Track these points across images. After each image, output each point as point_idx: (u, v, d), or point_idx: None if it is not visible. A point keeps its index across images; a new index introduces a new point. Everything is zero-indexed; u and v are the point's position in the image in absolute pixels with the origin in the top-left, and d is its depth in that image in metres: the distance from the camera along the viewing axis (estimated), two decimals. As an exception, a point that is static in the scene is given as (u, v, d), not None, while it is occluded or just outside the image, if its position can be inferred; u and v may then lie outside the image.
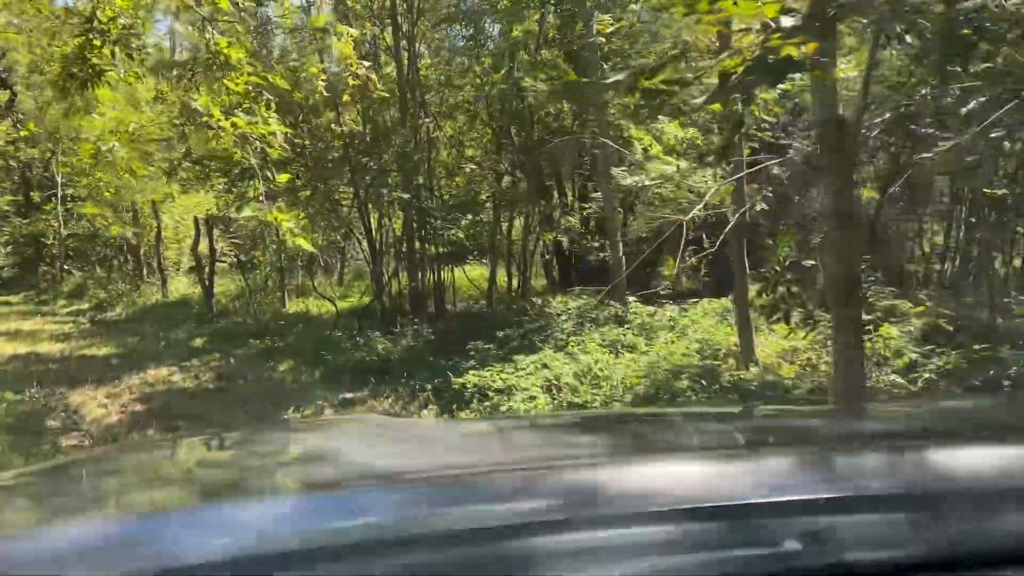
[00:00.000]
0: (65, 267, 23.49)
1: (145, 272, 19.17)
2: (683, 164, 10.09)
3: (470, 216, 15.30)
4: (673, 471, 1.05)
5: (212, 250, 14.86)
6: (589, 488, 0.99)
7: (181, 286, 18.77)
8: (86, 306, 18.94)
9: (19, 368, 10.73)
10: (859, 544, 0.86)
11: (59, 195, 22.36)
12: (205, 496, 1.16)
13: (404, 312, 15.01)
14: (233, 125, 4.85)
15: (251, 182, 14.03)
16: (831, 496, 0.93)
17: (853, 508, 0.91)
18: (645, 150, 10.34)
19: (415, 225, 13.26)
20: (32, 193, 24.24)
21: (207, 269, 15.07)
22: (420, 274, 13.77)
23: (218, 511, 1.00)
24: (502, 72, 12.57)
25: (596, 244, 11.28)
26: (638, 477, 1.03)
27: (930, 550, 0.87)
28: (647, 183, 10.22)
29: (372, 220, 14.74)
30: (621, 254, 9.53)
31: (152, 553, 0.81)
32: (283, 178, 4.79)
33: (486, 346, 8.69)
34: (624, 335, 8.04)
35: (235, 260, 18.26)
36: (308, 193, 15.84)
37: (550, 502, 0.94)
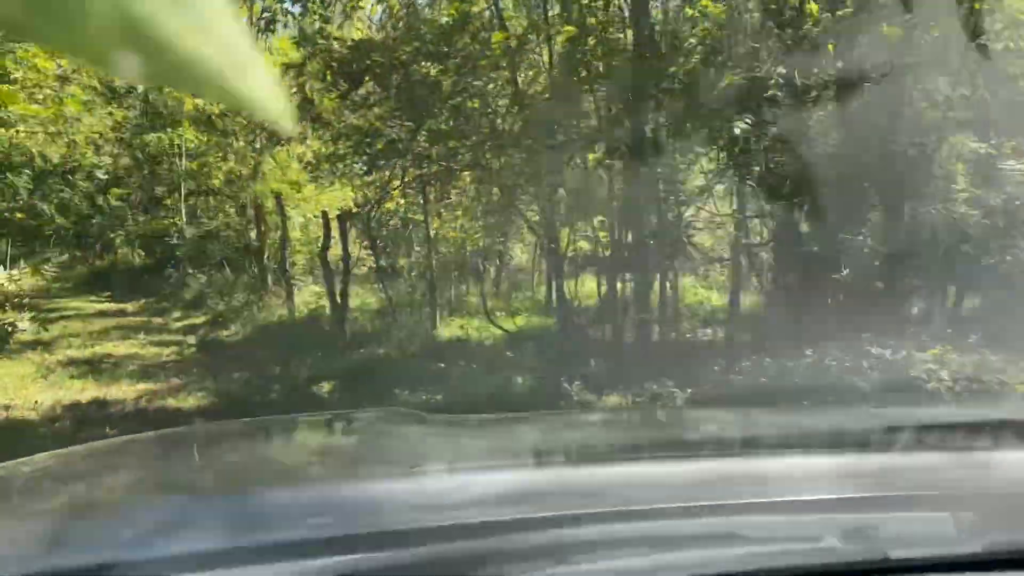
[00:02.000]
0: (189, 271, 20.73)
1: (270, 280, 15.82)
2: None
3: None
4: (718, 468, 1.08)
5: (346, 257, 11.09)
6: (629, 484, 0.99)
7: (311, 298, 15.28)
8: (201, 319, 15.82)
9: (63, 433, 7.19)
10: (897, 542, 0.86)
11: (181, 187, 19.59)
12: (207, 488, 1.15)
13: (601, 342, 10.80)
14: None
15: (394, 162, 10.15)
16: (871, 495, 0.95)
17: (893, 507, 0.92)
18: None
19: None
20: (156, 187, 21.65)
21: (340, 281, 11.32)
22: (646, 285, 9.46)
23: (222, 503, 0.99)
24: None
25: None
26: (686, 473, 1.04)
27: (971, 549, 0.86)
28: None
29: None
30: None
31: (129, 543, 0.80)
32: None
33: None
34: None
35: (374, 266, 14.59)
36: (468, 180, 11.91)
37: (589, 498, 0.92)
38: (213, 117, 13.34)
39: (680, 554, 0.81)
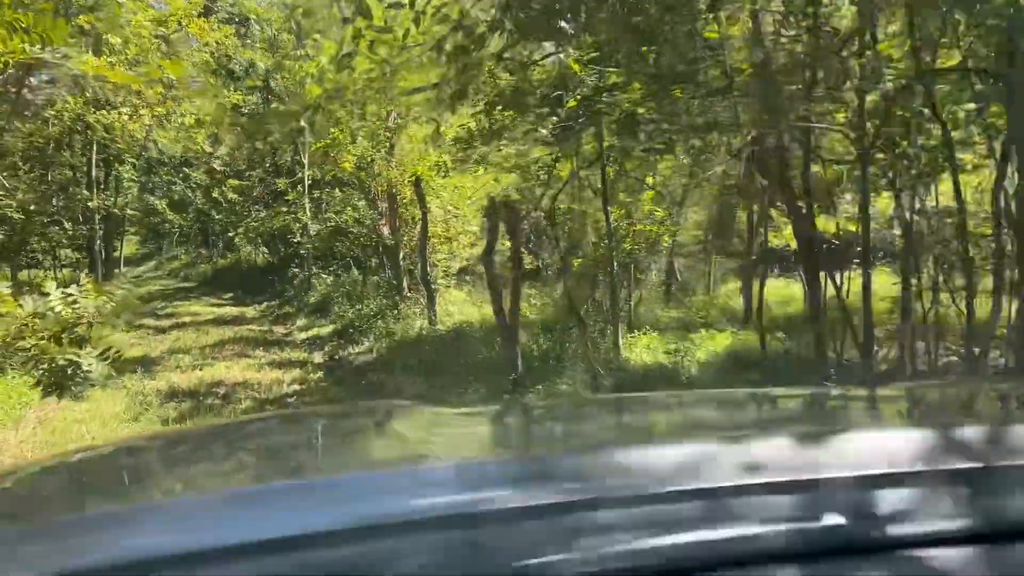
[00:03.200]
0: (314, 270, 18.67)
1: (406, 284, 13.35)
2: None
3: None
4: (717, 450, 1.06)
5: (517, 260, 8.35)
6: (630, 468, 0.98)
7: (454, 304, 12.73)
8: (328, 329, 13.57)
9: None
10: (900, 518, 0.87)
11: (305, 179, 17.51)
12: (217, 484, 1.15)
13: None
14: None
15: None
16: (868, 472, 0.93)
17: (893, 483, 0.91)
18: None
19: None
20: (278, 180, 19.71)
21: (508, 287, 8.61)
22: None
23: (225, 501, 0.96)
24: None
25: None
26: (680, 456, 1.03)
27: (969, 524, 0.87)
28: None
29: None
30: None
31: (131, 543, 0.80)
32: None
33: None
34: None
35: (534, 269, 11.87)
36: (663, 159, 9.03)
37: (588, 483, 0.92)
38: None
39: (681, 536, 0.80)
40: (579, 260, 10.17)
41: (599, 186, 9.48)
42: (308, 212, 17.67)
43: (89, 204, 12.78)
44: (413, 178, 11.40)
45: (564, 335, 9.83)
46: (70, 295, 4.98)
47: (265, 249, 25.85)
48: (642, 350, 9.89)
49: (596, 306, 10.54)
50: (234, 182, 18.53)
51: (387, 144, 12.48)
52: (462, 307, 12.71)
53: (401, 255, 13.26)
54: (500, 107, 8.66)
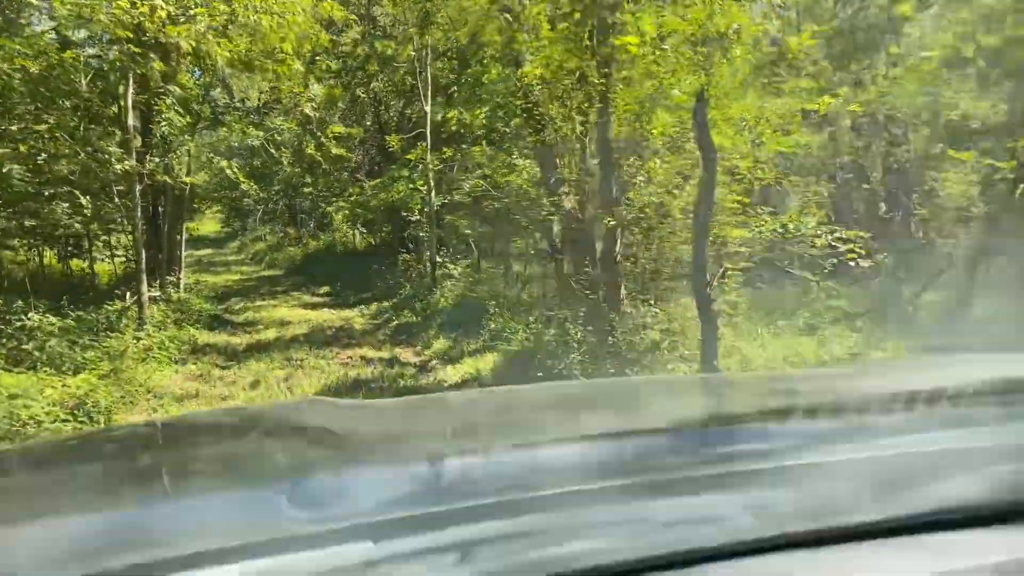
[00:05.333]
0: (439, 259, 13.45)
1: (621, 297, 7.90)
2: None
3: None
4: (611, 447, 1.01)
5: None
6: (518, 468, 0.93)
7: (728, 336, 7.26)
8: (488, 362, 8.40)
9: None
10: (801, 513, 0.85)
11: (428, 135, 12.31)
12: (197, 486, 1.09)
13: None
14: None
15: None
16: (774, 466, 0.91)
17: (791, 480, 0.89)
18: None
19: None
20: (388, 138, 14.50)
21: None
22: None
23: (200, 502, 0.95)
24: None
25: None
26: (573, 453, 0.99)
27: (869, 518, 0.85)
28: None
29: None
30: None
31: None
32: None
33: None
34: None
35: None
36: None
37: (488, 483, 0.89)
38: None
39: (571, 544, 0.77)
40: None
41: None
42: (431, 181, 12.47)
43: (118, 168, 7.91)
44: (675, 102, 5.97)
45: None
46: None
47: (363, 229, 20.89)
48: None
49: None
50: (339, 128, 13.34)
51: (586, 44, 7.09)
52: (733, 341, 7.27)
53: (617, 243, 7.86)
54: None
